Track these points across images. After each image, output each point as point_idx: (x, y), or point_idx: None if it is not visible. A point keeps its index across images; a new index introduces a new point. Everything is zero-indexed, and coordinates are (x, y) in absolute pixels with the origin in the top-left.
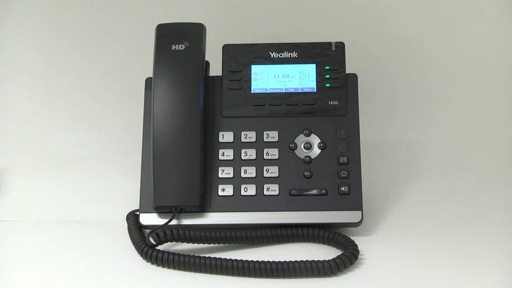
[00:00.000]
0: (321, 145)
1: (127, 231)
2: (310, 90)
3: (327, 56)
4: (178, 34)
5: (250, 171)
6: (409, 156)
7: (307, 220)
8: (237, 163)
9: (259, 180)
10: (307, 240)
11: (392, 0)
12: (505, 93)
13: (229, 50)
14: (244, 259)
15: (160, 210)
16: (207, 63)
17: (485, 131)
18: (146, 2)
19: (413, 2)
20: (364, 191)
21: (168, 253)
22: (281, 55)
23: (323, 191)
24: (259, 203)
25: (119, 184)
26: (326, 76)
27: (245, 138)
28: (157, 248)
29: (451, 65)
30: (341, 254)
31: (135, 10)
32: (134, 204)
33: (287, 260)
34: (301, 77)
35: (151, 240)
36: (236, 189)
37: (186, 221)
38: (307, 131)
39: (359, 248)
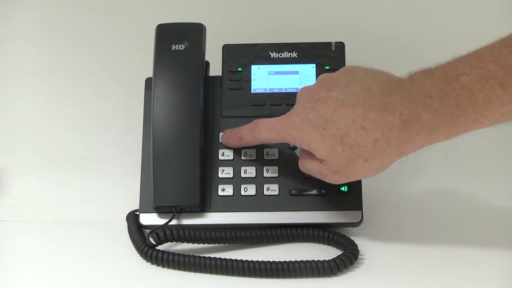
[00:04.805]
0: None
1: (127, 231)
2: None
3: (327, 56)
4: (178, 34)
5: (250, 171)
6: (409, 156)
7: (307, 220)
8: (237, 163)
9: (259, 180)
10: (307, 240)
11: (392, 0)
12: None
13: (229, 50)
14: (244, 259)
15: (160, 210)
16: (207, 63)
17: (485, 131)
18: (146, 2)
19: (413, 2)
20: (364, 191)
21: (168, 253)
22: (281, 55)
23: (323, 191)
24: (259, 203)
25: (119, 184)
26: None
27: None
28: (157, 248)
29: None
30: (341, 254)
31: (135, 10)
32: (134, 204)
33: (287, 260)
34: (301, 77)
35: (151, 240)
36: (236, 189)
37: (186, 221)
38: None
39: (359, 248)
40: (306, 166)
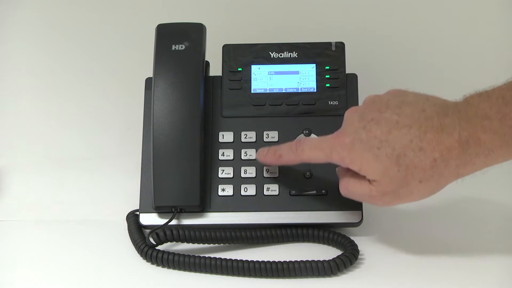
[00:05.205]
0: None
1: (127, 231)
2: (310, 90)
3: (327, 56)
4: (178, 34)
5: (250, 171)
6: None
7: (307, 220)
8: (237, 163)
9: (259, 180)
10: (307, 240)
11: (392, 0)
12: None
13: (229, 50)
14: (244, 259)
15: (160, 210)
16: (207, 63)
17: None
18: (146, 2)
19: (413, 2)
20: None
21: (168, 253)
22: (281, 55)
23: (323, 191)
24: (259, 203)
25: (119, 184)
26: (326, 76)
27: (245, 138)
28: (157, 248)
29: (452, 65)
30: (341, 254)
31: (135, 10)
32: (134, 204)
33: (287, 260)
34: (301, 77)
35: (151, 240)
36: (236, 189)
37: (186, 221)
38: (307, 131)
39: (359, 248)
40: (350, 189)
